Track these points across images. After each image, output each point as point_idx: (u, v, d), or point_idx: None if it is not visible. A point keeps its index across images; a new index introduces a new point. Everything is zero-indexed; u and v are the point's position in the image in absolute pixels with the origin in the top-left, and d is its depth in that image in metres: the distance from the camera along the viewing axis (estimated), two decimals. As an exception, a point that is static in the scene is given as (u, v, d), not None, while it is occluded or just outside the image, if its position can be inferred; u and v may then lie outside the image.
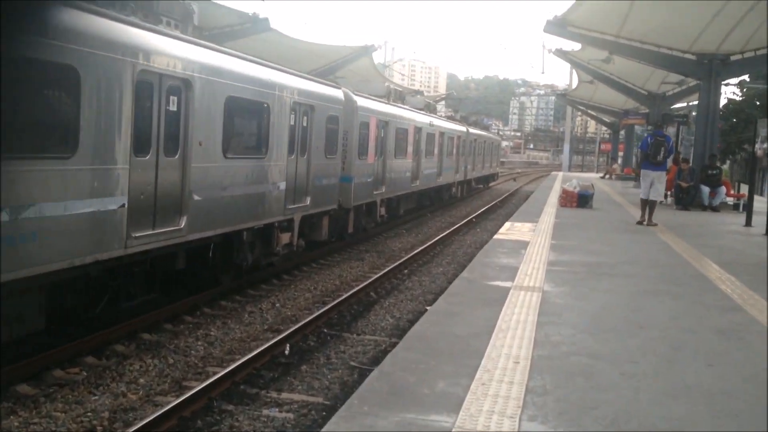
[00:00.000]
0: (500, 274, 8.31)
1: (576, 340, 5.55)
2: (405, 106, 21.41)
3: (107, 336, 8.27)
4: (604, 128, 69.75)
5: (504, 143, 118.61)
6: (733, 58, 21.08)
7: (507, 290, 7.30)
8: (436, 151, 25.15)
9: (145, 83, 7.75)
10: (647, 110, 32.69)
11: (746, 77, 47.80)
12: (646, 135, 18.18)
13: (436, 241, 18.09)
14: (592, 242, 11.89)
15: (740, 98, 51.05)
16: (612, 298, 7.28)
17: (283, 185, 11.64)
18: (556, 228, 13.67)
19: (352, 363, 8.00)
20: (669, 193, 20.80)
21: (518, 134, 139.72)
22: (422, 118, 23.12)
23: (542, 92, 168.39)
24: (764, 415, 4.00)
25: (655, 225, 14.57)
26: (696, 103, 38.43)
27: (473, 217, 24.76)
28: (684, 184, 19.60)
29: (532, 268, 8.74)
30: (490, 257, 9.74)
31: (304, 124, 12.52)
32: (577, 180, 20.12)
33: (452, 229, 21.00)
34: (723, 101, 46.06)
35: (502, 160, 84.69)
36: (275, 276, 12.70)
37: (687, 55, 21.51)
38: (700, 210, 19.41)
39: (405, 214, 22.91)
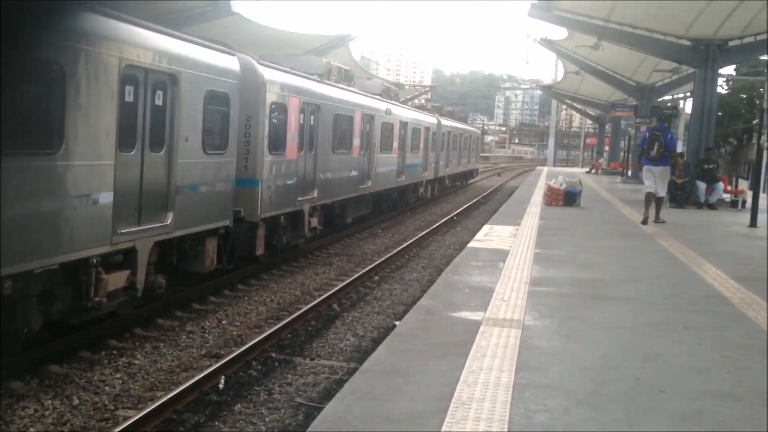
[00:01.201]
0: (470, 300, 6.53)
1: (571, 420, 3.77)
2: (351, 89, 17.09)
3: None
4: (589, 123, 68.55)
5: (488, 138, 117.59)
6: (731, 43, 19.50)
7: (476, 326, 5.53)
8: (395, 144, 21.09)
9: (132, 78, 7.66)
10: (635, 102, 31.16)
11: (732, 70, 46.92)
12: (646, 129, 16.67)
13: (413, 242, 17.00)
14: (582, 250, 10.17)
15: (726, 91, 50.02)
16: (615, 337, 5.47)
17: (105, 198, 7.29)
18: (541, 232, 11.96)
19: (298, 399, 6.83)
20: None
21: (503, 129, 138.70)
22: (376, 104, 19.06)
23: (527, 86, 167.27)
24: None
25: (663, 222, 13.79)
26: (681, 96, 37.26)
27: (454, 215, 23.35)
28: (679, 180, 17.97)
29: (511, 290, 6.99)
30: (460, 274, 7.96)
31: (158, 102, 8.26)
32: (563, 176, 18.46)
33: (431, 228, 19.93)
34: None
35: (485, 154, 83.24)
36: (229, 286, 11.38)
37: (682, 41, 19.98)
38: (695, 208, 17.88)
39: (355, 222, 18.80)
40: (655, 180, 13.95)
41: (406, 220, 22.40)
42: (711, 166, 18.59)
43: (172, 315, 9.59)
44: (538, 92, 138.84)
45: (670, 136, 14.42)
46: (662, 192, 14.21)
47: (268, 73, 11.37)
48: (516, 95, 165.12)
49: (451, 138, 30.84)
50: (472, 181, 41.25)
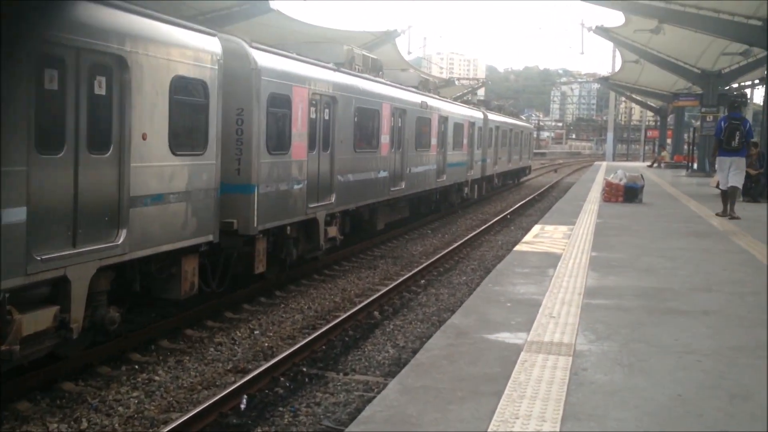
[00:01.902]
0: (511, 317, 5.49)
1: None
2: (378, 79, 15.10)
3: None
4: (650, 115, 65.76)
5: (545, 134, 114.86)
6: (809, 20, 17.69)
7: (516, 352, 4.50)
8: (433, 141, 18.97)
9: (55, 60, 6.09)
10: (701, 91, 29.17)
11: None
12: (720, 119, 15.17)
13: (463, 242, 16.29)
14: (646, 253, 8.95)
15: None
16: (691, 367, 4.27)
17: (13, 215, 5.63)
18: (599, 232, 10.75)
19: (325, 422, 6.19)
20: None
21: (560, 124, 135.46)
22: (409, 97, 16.97)
23: (584, 80, 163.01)
24: None
25: (738, 218, 12.69)
26: (748, 83, 34.82)
27: (507, 214, 22.53)
28: (753, 172, 16.33)
29: (561, 303, 5.91)
30: (503, 284, 6.90)
31: (98, 90, 6.62)
32: (622, 170, 17.03)
33: (483, 227, 19.15)
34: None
35: (541, 151, 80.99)
36: (264, 292, 10.81)
37: (752, 21, 18.22)
38: (772, 202, 16.22)
39: (388, 228, 16.84)
40: (729, 172, 13.02)
41: (458, 219, 21.52)
42: (789, 156, 16.87)
43: (203, 325, 9.05)
44: (596, 86, 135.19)
45: (748, 125, 13.52)
46: (740, 183, 13.23)
47: (263, 59, 9.55)
48: (572, 89, 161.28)
49: (500, 134, 29.01)
50: (525, 178, 39.70)
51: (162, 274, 8.00)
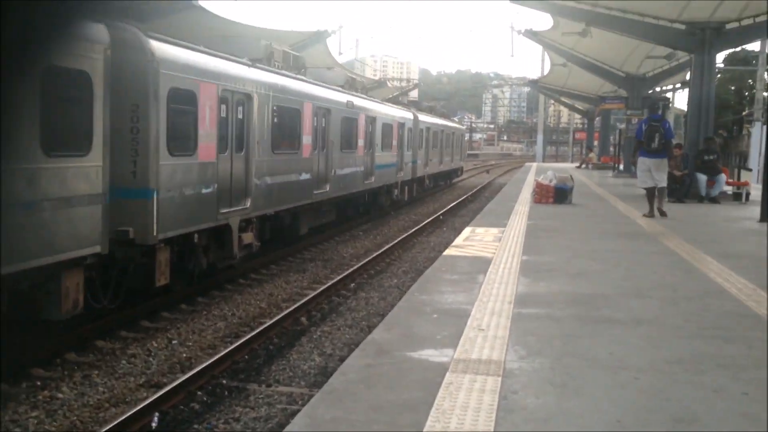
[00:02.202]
0: (437, 331, 5.05)
1: None
2: (300, 77, 14.26)
3: None
4: (577, 118, 67.44)
5: (477, 136, 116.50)
6: (728, 26, 18.12)
7: (440, 373, 4.04)
8: (360, 142, 18.20)
9: None
10: (626, 94, 29.83)
11: (720, 62, 45.96)
12: (640, 121, 15.24)
13: (395, 244, 16.01)
14: (577, 255, 8.73)
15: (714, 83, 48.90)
16: (629, 385, 3.87)
17: None
18: (530, 234, 10.52)
19: None
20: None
21: (491, 126, 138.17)
22: (334, 96, 16.27)
23: (514, 83, 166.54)
24: None
25: (665, 215, 12.84)
26: (670, 88, 35.93)
27: (440, 215, 22.16)
28: (678, 173, 16.56)
29: (491, 314, 5.51)
30: (430, 292, 6.47)
31: None
32: (552, 171, 17.00)
33: (416, 228, 18.91)
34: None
35: (474, 152, 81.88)
36: (186, 299, 10.17)
37: (676, 25, 18.60)
38: (696, 202, 16.49)
39: (312, 233, 15.97)
40: (652, 173, 12.93)
41: (389, 220, 21.18)
42: (712, 157, 17.16)
43: (116, 335, 8.46)
44: (526, 89, 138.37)
45: (668, 125, 13.49)
46: (664, 182, 13.12)
47: (163, 50, 8.60)
48: (503, 92, 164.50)
49: (431, 135, 28.64)
50: (457, 179, 39.83)
51: (35, 293, 7.12)
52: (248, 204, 11.27)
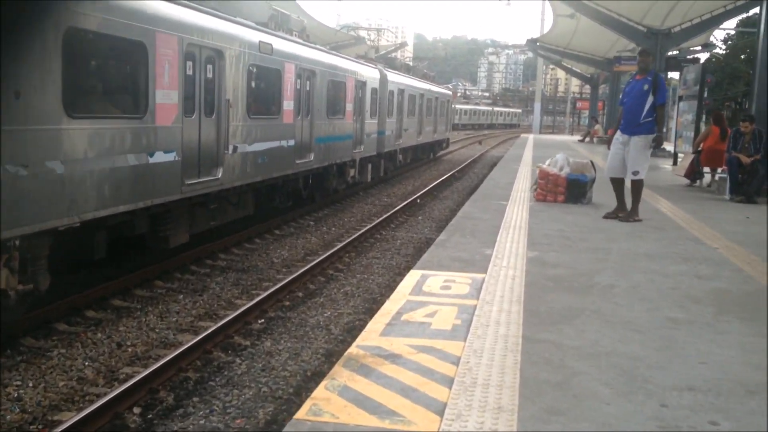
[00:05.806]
0: None
1: None
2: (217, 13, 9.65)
3: None
4: (575, 86, 62.81)
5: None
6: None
7: None
8: (287, 105, 12.39)
9: None
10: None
11: (731, 30, 41.48)
12: (628, 83, 10.18)
13: (349, 242, 11.74)
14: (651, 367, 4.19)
15: (724, 52, 44.67)
16: None
17: None
18: (534, 295, 5.31)
19: None
20: (720, 170, 13.23)
21: (486, 94, 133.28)
22: (230, 30, 9.90)
23: (511, 51, 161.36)
24: None
25: (640, 221, 9.08)
26: (698, 48, 31.37)
27: (417, 197, 17.96)
28: (745, 159, 11.87)
29: None
30: None
31: None
32: (563, 155, 11.29)
33: (383, 217, 14.49)
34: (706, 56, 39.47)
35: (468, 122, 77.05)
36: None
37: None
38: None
39: (224, 236, 11.28)
40: (624, 157, 9.15)
41: (354, 204, 16.72)
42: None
43: (82, 318, 7.21)
44: (522, 56, 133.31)
45: (662, 82, 8.97)
46: (641, 173, 9.09)
47: None
48: (499, 59, 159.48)
49: (405, 99, 22.75)
50: (441, 153, 34.56)
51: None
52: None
